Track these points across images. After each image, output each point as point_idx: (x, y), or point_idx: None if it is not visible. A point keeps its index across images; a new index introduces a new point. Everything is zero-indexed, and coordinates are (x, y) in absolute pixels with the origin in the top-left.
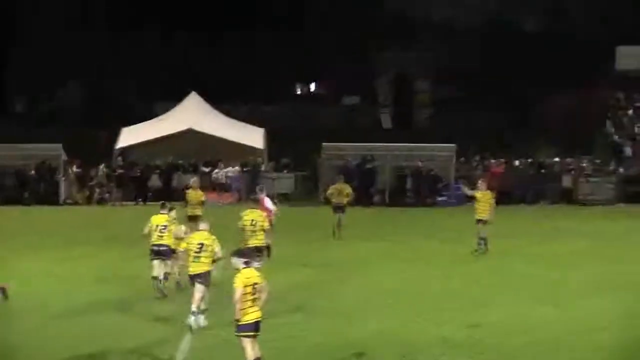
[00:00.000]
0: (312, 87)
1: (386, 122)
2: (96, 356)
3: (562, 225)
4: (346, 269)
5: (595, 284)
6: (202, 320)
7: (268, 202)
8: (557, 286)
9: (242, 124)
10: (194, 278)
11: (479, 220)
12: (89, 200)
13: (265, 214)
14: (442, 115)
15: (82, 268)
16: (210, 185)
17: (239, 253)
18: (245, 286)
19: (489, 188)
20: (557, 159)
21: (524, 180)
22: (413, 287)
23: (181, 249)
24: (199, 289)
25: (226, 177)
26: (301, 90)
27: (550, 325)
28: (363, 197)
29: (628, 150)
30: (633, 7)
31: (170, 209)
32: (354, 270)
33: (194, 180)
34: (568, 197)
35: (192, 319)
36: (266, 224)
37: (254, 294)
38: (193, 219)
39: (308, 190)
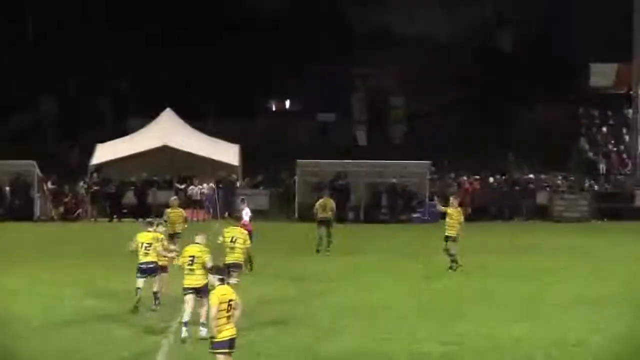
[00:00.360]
0: (287, 103)
1: (361, 138)
2: None
3: (537, 241)
4: (321, 284)
5: (571, 300)
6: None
7: (246, 215)
8: (533, 301)
9: (217, 141)
10: (188, 290)
11: (448, 237)
12: (63, 217)
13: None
14: (417, 132)
15: (64, 283)
16: (184, 202)
17: (215, 270)
18: (221, 303)
19: (462, 204)
20: (531, 176)
21: (498, 197)
22: (388, 303)
23: (178, 264)
24: (201, 303)
25: (201, 193)
26: (276, 106)
27: (526, 340)
28: (337, 213)
29: (602, 167)
30: (606, 24)
31: (158, 225)
32: (329, 285)
33: (173, 199)
34: (543, 214)
35: (203, 331)
36: (247, 242)
37: (229, 310)
38: (174, 237)
39: (283, 207)
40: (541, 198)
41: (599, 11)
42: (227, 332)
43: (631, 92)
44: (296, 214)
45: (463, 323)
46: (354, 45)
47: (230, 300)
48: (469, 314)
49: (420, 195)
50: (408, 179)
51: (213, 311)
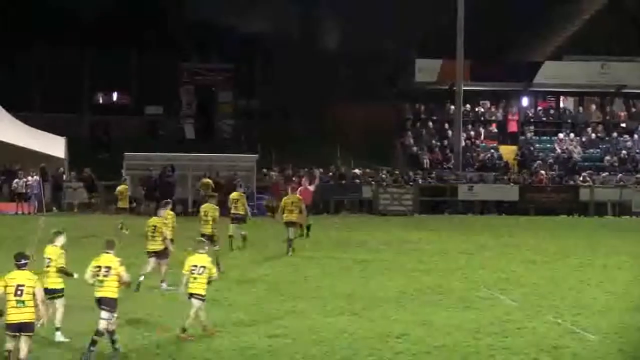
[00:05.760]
0: (115, 96)
1: (189, 132)
2: None
3: (362, 235)
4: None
5: (394, 293)
6: None
7: None
8: (357, 295)
9: (42, 133)
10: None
11: (288, 223)
12: None
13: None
14: (245, 126)
15: None
16: (9, 196)
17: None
18: (7, 286)
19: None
20: (357, 170)
21: (325, 191)
22: (214, 296)
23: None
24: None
25: (26, 186)
26: (103, 99)
27: (350, 333)
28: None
29: (426, 162)
30: (432, 21)
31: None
32: (152, 280)
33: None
34: (368, 208)
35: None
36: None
37: (17, 295)
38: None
39: (111, 200)
40: (367, 192)
41: (424, 6)
42: (14, 316)
43: (454, 88)
44: None
45: (288, 316)
46: (181, 39)
47: (19, 285)
48: (295, 307)
49: (247, 188)
50: (236, 172)
51: None
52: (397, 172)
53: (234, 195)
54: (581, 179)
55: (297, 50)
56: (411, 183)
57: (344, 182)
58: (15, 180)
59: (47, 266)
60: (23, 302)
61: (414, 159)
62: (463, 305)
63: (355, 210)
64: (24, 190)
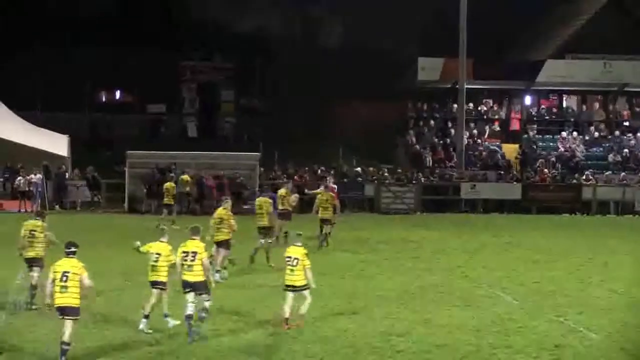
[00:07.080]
0: (117, 94)
1: (192, 130)
2: None
3: (363, 234)
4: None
5: (395, 292)
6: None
7: None
8: (358, 294)
9: (45, 131)
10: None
11: (325, 220)
12: None
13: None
14: (247, 124)
15: None
16: (11, 194)
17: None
18: (54, 272)
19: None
20: (359, 169)
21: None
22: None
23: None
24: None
25: (29, 184)
26: (106, 97)
27: (351, 332)
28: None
29: (428, 160)
30: (433, 19)
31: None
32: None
33: None
34: (370, 206)
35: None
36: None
37: (63, 280)
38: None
39: (114, 199)
40: (369, 190)
41: (426, 5)
42: (58, 300)
43: (457, 87)
44: (126, 206)
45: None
46: (183, 38)
47: (65, 272)
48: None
49: (250, 187)
50: (239, 170)
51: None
52: (399, 170)
53: (281, 192)
54: (584, 177)
55: (299, 48)
56: (414, 182)
57: (346, 180)
58: (18, 178)
59: (155, 261)
60: (66, 287)
61: (416, 157)
62: (464, 303)
63: (357, 209)
64: (26, 189)
